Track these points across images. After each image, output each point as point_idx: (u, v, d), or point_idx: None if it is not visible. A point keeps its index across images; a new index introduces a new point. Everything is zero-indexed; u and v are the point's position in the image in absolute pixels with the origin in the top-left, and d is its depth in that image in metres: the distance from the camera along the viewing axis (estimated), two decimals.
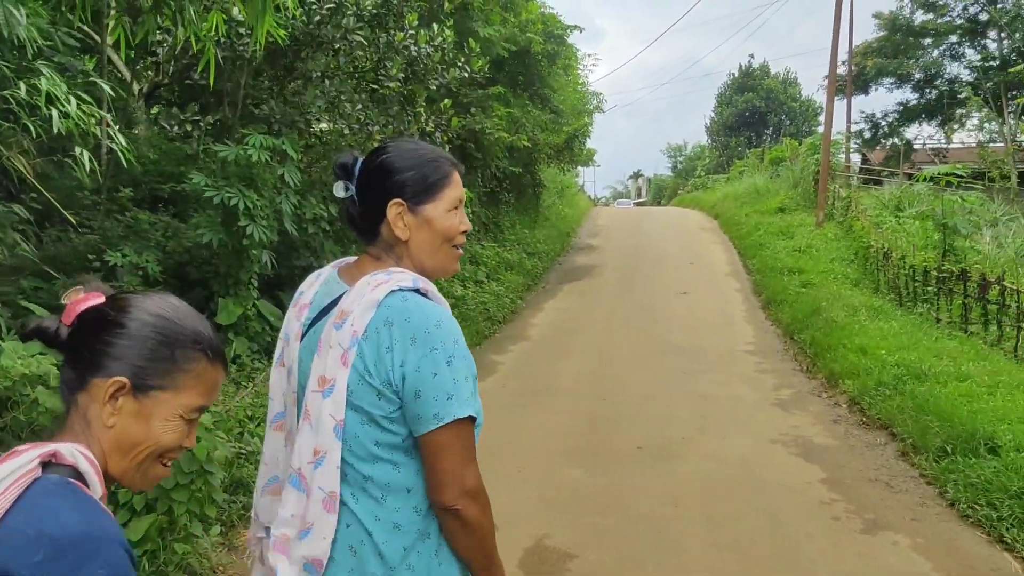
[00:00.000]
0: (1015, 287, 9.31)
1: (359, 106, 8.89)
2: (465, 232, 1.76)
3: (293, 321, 1.74)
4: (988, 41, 28.71)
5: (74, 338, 1.23)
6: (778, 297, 12.57)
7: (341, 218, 1.75)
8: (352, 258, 1.80)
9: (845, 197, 19.12)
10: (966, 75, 29.63)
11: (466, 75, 11.26)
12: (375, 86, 9.29)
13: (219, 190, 6.92)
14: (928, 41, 29.53)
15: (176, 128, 8.70)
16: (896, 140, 31.60)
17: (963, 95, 29.38)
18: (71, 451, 1.12)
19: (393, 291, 1.57)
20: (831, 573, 4.12)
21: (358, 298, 1.58)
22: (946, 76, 30.20)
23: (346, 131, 8.68)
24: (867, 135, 31.79)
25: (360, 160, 1.73)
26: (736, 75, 51.55)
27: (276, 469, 1.77)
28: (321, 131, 9.62)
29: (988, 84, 27.55)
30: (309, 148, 9.60)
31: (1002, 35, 28.11)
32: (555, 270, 16.74)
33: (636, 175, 74.66)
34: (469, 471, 1.56)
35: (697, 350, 9.70)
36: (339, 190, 1.74)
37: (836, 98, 20.61)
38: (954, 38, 29.15)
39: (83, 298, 1.24)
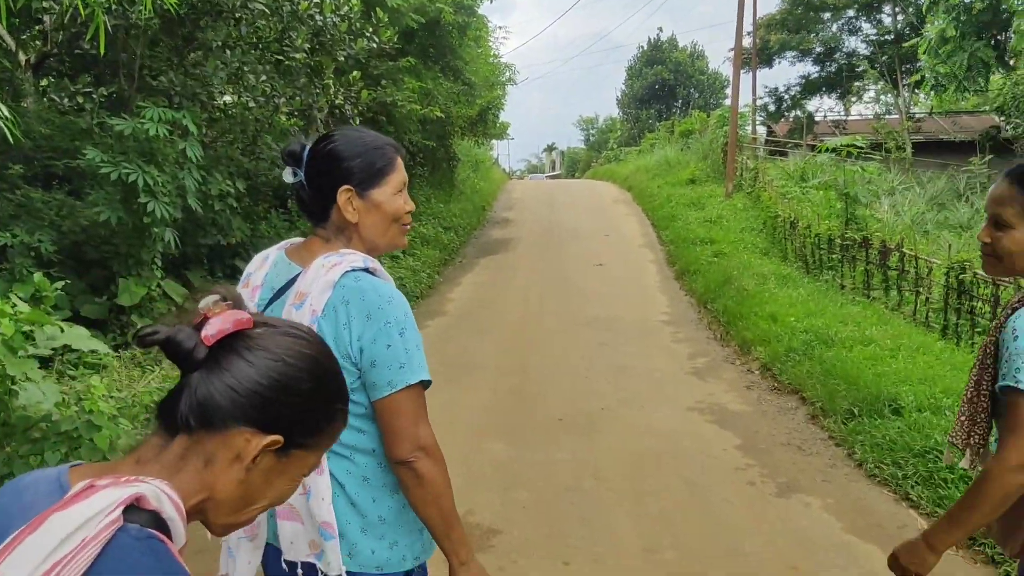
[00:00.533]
0: (913, 253, 9.70)
1: (264, 78, 8.58)
2: (410, 212, 1.88)
3: (247, 301, 1.70)
4: (883, 16, 29.70)
5: (213, 363, 1.02)
6: (691, 267, 12.80)
7: (293, 200, 2.00)
8: (298, 240, 1.91)
9: (753, 168, 19.58)
10: (863, 49, 30.63)
11: (375, 46, 11.00)
12: (280, 57, 8.97)
13: (116, 166, 6.61)
14: (827, 15, 30.33)
15: (67, 101, 8.25)
16: (799, 113, 32.50)
17: (861, 68, 30.40)
18: (156, 494, 0.94)
19: (347, 272, 1.69)
20: (749, 538, 4.20)
21: (314, 280, 1.69)
22: (845, 50, 31.13)
23: (251, 104, 8.39)
24: (771, 108, 32.58)
25: (307, 148, 1.83)
26: (645, 48, 52.03)
27: None
28: (225, 104, 9.28)
29: (883, 58, 28.54)
30: (213, 122, 9.24)
31: (896, 10, 29.11)
32: (472, 244, 16.65)
33: (550, 148, 74.89)
34: (422, 428, 1.71)
35: (614, 321, 9.79)
36: (288, 176, 1.84)
37: (742, 71, 21.03)
38: (851, 12, 30.02)
39: (228, 315, 1.03)
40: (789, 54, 30.74)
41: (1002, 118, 25.40)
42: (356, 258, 1.74)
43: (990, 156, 21.86)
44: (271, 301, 1.80)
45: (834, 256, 11.55)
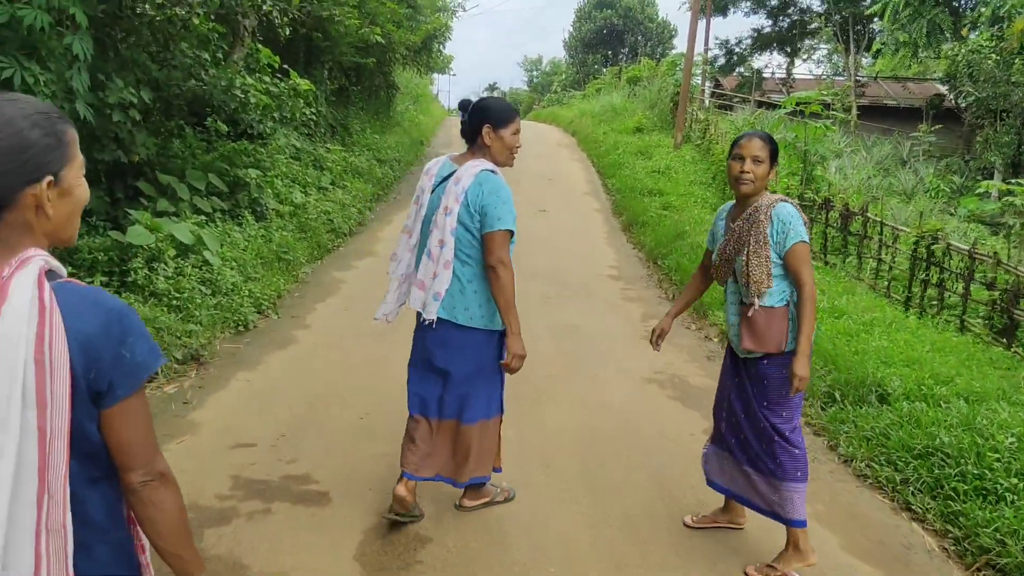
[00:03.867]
0: (879, 219, 9.14)
1: None
2: (518, 147, 3.43)
3: (428, 182, 3.40)
4: None
5: None
6: (639, 219, 12.08)
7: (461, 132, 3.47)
8: (457, 153, 3.47)
9: (703, 120, 18.89)
10: (817, 6, 30.04)
11: None
12: None
13: None
14: None
15: None
16: (743, 70, 31.96)
17: (813, 26, 29.86)
18: (44, 258, 1.41)
19: (483, 170, 3.28)
20: (735, 557, 3.50)
21: (466, 171, 3.28)
22: (799, 6, 30.51)
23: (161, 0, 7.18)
24: (721, 62, 31.91)
25: (471, 102, 3.41)
26: None
27: (398, 248, 3.52)
28: None
29: (837, 17, 28.01)
30: (117, 19, 7.99)
31: None
32: (407, 180, 15.60)
33: (492, 87, 72.98)
34: (506, 252, 3.25)
35: (559, 274, 9.01)
36: (461, 117, 3.44)
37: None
38: None
39: None
40: (744, 5, 29.97)
41: (946, 86, 25.22)
42: (486, 163, 3.29)
43: (938, 125, 21.60)
44: (438, 185, 3.35)
45: None
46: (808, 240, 3.18)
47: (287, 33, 9.26)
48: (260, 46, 9.79)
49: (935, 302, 7.74)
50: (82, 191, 1.47)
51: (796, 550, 3.25)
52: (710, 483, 3.60)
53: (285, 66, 9.87)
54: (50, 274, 1.38)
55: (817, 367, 5.46)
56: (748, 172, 3.19)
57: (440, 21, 18.74)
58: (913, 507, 3.87)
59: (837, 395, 5.06)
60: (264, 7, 8.52)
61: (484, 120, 3.29)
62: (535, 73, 63.46)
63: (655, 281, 9.24)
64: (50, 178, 1.39)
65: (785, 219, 3.16)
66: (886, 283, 8.65)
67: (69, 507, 1.35)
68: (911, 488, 3.96)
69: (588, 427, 4.85)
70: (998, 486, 3.65)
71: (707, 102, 24.37)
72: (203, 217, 7.92)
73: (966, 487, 3.73)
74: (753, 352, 3.22)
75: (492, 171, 3.27)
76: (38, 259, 1.35)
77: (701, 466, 3.67)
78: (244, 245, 7.96)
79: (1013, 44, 10.59)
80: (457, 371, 3.32)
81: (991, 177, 20.88)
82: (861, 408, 4.82)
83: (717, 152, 15.68)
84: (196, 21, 8.27)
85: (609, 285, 8.89)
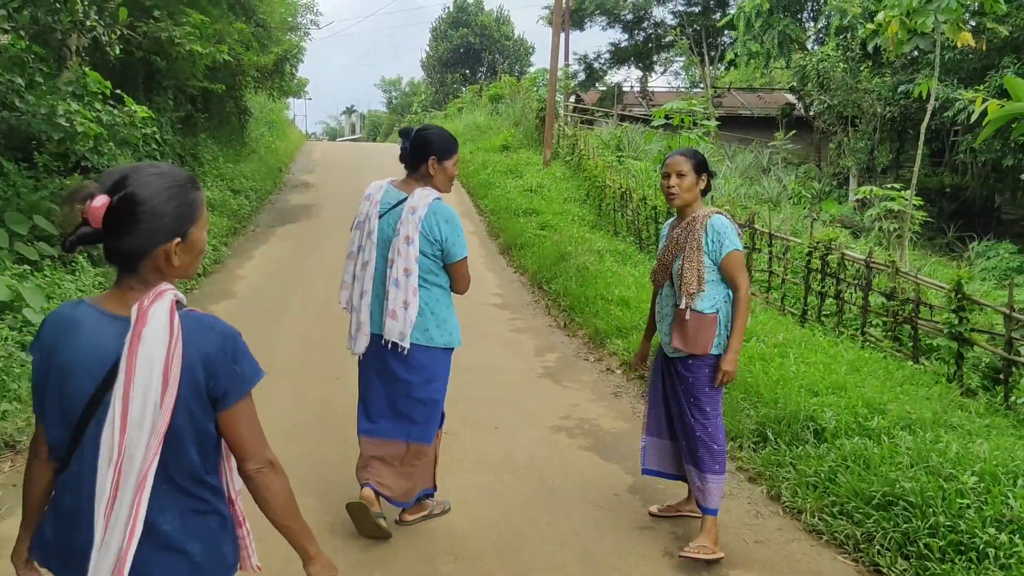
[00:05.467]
0: (766, 230, 8.91)
1: None
2: (456, 173, 3.69)
3: (372, 208, 3.54)
4: None
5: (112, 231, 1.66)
6: (518, 241, 11.54)
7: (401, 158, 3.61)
8: (398, 179, 3.64)
9: (571, 135, 18.67)
10: (670, 20, 30.62)
11: None
12: None
13: None
14: None
15: None
16: (599, 85, 32.26)
17: (668, 39, 30.41)
18: (175, 292, 1.67)
19: (435, 199, 3.48)
20: None
21: (419, 200, 3.44)
22: (653, 19, 31.02)
23: None
24: (582, 77, 32.07)
25: (413, 131, 3.58)
26: (451, 9, 50.34)
27: (348, 276, 3.67)
28: None
29: (689, 30, 28.63)
30: None
31: None
32: (266, 210, 14.53)
33: (349, 111, 71.48)
34: (468, 279, 3.66)
35: None
36: (400, 144, 3.64)
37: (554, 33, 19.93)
38: None
39: (92, 209, 1.58)
40: (600, 19, 30.22)
41: (795, 96, 26.11)
42: (435, 192, 3.53)
43: (793, 132, 22.22)
44: (386, 212, 3.52)
45: None
46: (741, 248, 3.56)
47: (117, 53, 8.18)
48: (89, 70, 8.66)
49: (827, 314, 7.51)
50: (203, 243, 1.76)
51: (709, 537, 3.47)
52: (646, 471, 3.88)
53: (119, 91, 8.75)
54: (178, 304, 1.64)
55: (742, 402, 4.98)
56: (674, 186, 3.55)
57: (291, 43, 17.69)
58: (883, 569, 3.38)
59: (769, 433, 4.57)
60: (88, 23, 7.44)
61: (429, 152, 3.52)
62: (394, 94, 62.58)
63: (543, 308, 8.68)
64: (178, 240, 1.66)
65: (719, 229, 3.49)
66: (779, 296, 8.41)
67: (149, 488, 1.57)
68: (877, 546, 3.47)
69: (497, 494, 4.16)
70: (976, 540, 3.20)
71: (569, 117, 24.30)
72: (27, 267, 6.79)
73: (941, 543, 3.27)
74: (680, 352, 3.52)
75: (439, 199, 3.52)
76: (170, 292, 1.64)
77: (640, 459, 3.91)
78: (78, 297, 6.87)
79: (891, 50, 10.61)
80: (422, 392, 3.53)
81: (846, 182, 21.65)
82: (798, 448, 4.34)
83: (589, 168, 15.37)
84: (5, 41, 7.13)
85: (495, 315, 8.25)
